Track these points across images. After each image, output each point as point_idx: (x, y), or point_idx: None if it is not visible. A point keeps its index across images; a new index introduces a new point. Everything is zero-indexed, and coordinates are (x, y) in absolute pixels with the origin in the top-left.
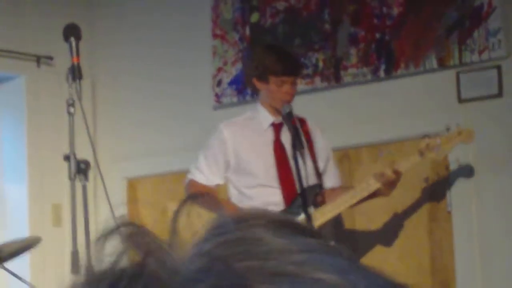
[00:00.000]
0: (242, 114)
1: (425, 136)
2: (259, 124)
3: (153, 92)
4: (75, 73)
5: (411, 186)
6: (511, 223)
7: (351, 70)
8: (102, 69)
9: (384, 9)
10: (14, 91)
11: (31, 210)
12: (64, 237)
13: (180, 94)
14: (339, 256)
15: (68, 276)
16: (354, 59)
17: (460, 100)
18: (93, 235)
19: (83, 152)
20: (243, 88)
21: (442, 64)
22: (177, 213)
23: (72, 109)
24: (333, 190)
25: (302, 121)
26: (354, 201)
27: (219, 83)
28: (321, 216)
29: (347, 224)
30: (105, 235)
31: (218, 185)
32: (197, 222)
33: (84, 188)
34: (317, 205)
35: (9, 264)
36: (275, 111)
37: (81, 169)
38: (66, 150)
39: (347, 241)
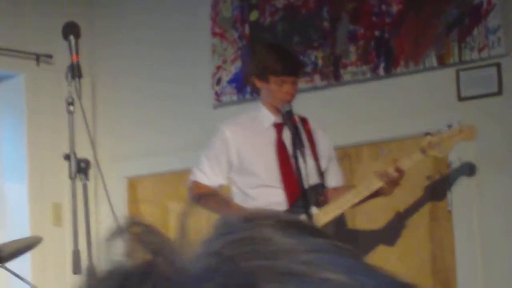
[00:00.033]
0: (243, 113)
1: (426, 134)
2: (261, 124)
3: (153, 90)
4: (75, 71)
5: (411, 185)
6: None
7: (351, 68)
8: (101, 68)
9: (383, 7)
10: (14, 90)
11: (32, 210)
12: (64, 236)
13: (180, 93)
14: (347, 256)
15: (69, 276)
16: (353, 57)
17: (460, 98)
18: (93, 235)
19: (83, 151)
20: (243, 86)
21: (442, 62)
22: (185, 213)
23: (71, 108)
24: (335, 189)
25: (304, 121)
26: (357, 200)
27: (218, 81)
28: (324, 216)
29: (348, 224)
30: (114, 234)
31: (221, 186)
32: (205, 221)
33: (85, 187)
34: (319, 204)
35: (10, 264)
36: (276, 110)
37: (82, 168)
38: (66, 149)
39: (348, 240)
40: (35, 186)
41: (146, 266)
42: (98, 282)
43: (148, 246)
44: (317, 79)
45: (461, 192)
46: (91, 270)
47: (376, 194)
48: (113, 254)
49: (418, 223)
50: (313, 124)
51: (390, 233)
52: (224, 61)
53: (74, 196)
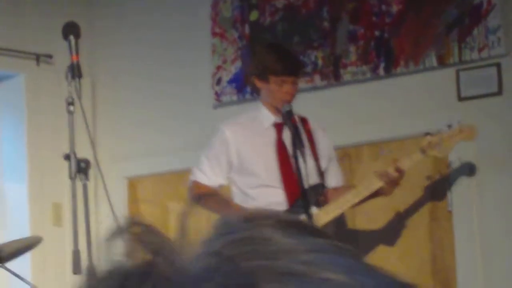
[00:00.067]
0: (243, 113)
1: (426, 134)
2: (261, 124)
3: (153, 90)
4: (75, 71)
5: (411, 185)
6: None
7: (351, 68)
8: (101, 68)
9: (383, 7)
10: (14, 90)
11: (32, 210)
12: (64, 236)
13: (180, 93)
14: (347, 256)
15: (69, 276)
16: (353, 57)
17: (460, 98)
18: (93, 235)
19: (83, 151)
20: (243, 86)
21: (442, 62)
22: (185, 213)
23: (71, 108)
24: (335, 189)
25: (304, 121)
26: (357, 200)
27: (218, 81)
28: (324, 216)
29: (348, 224)
30: (114, 234)
31: (221, 186)
32: (205, 222)
33: (85, 187)
34: (320, 204)
35: (10, 264)
36: (276, 110)
37: (82, 168)
38: (66, 149)
39: (348, 240)
40: (35, 186)
41: (146, 266)
42: (98, 282)
43: (148, 246)
44: (317, 79)
45: (461, 192)
46: (91, 270)
47: (376, 194)
48: (113, 254)
49: (418, 223)
50: (313, 124)
51: (390, 233)
52: (224, 61)
53: (74, 196)
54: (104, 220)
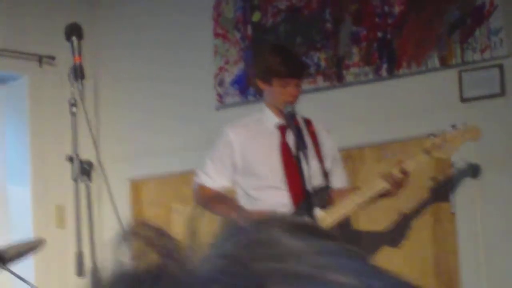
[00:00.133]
0: (247, 115)
1: (430, 135)
2: (265, 126)
3: (155, 92)
4: (77, 72)
5: (415, 186)
6: None
7: (353, 69)
8: (104, 70)
9: (386, 8)
10: (17, 91)
11: (35, 212)
12: (68, 238)
13: (183, 94)
14: (355, 258)
15: (73, 278)
16: (356, 58)
17: (462, 99)
18: (97, 236)
19: (86, 153)
20: (246, 88)
21: (444, 63)
22: (194, 215)
23: (74, 109)
24: (340, 191)
25: (308, 122)
26: (362, 201)
27: (220, 82)
28: (329, 217)
29: (351, 225)
30: (123, 237)
31: (226, 188)
32: (214, 224)
33: (88, 189)
34: (325, 206)
35: (13, 266)
36: (280, 112)
37: (85, 170)
38: (69, 151)
39: (351, 241)
40: (38, 188)
41: (157, 269)
42: (108, 285)
43: (158, 248)
44: (319, 80)
45: (464, 194)
46: (100, 273)
47: (381, 195)
48: (122, 257)
49: (422, 225)
50: (317, 126)
51: (394, 234)
52: (227, 62)
53: (77, 198)
54: (107, 221)
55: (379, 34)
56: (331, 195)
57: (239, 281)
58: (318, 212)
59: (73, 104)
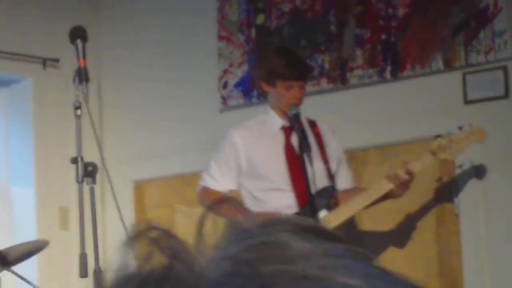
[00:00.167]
0: (251, 117)
1: (436, 136)
2: (269, 128)
3: (159, 94)
4: (82, 75)
5: (419, 188)
6: None
7: (357, 72)
8: (108, 72)
9: (390, 10)
10: (21, 94)
11: (39, 213)
12: (71, 240)
13: (187, 97)
14: (363, 261)
15: (76, 279)
16: (360, 60)
17: (466, 101)
18: (100, 238)
19: (90, 155)
20: (250, 90)
21: (448, 65)
22: (203, 217)
23: (78, 112)
24: (345, 192)
25: (313, 124)
26: (368, 203)
27: (224, 85)
28: (334, 219)
29: (356, 226)
30: (131, 238)
31: (231, 191)
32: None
33: (92, 191)
34: (330, 207)
35: (16, 268)
36: (284, 114)
37: (89, 171)
38: (73, 153)
39: (355, 242)
40: (42, 190)
41: (164, 270)
42: (115, 286)
43: (166, 250)
44: (323, 82)
45: (468, 195)
46: (105, 275)
47: (387, 197)
48: (129, 258)
49: (425, 226)
50: (322, 126)
51: (397, 235)
52: (231, 65)
53: (81, 199)
54: (111, 223)
55: (383, 37)
56: (336, 197)
57: (247, 283)
58: (324, 214)
59: (77, 107)
